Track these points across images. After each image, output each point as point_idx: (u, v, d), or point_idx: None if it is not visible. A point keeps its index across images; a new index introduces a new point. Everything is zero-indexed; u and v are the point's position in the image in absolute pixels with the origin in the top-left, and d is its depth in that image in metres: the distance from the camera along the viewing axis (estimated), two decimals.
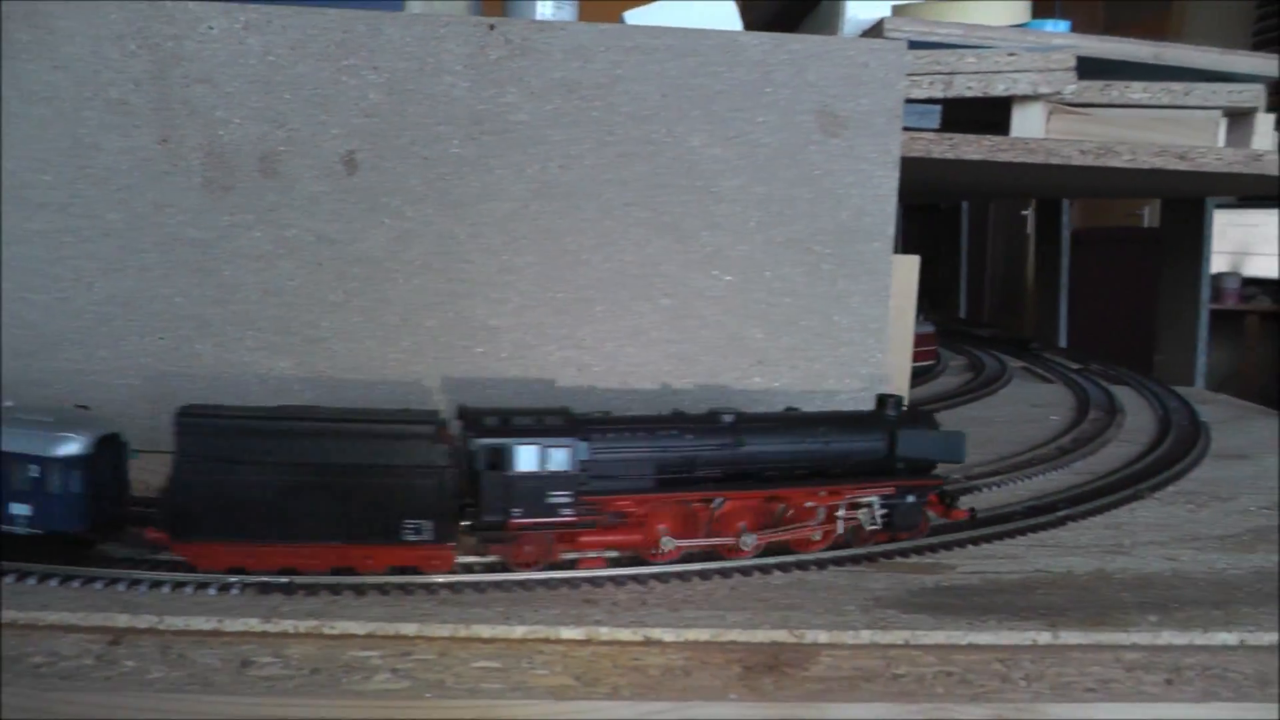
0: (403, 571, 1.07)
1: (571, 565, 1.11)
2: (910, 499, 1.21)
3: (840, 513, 1.19)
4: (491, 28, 1.31)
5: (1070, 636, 1.05)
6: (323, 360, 1.37)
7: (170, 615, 0.99)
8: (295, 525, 1.04)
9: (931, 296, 3.95)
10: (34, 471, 1.02)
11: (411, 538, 1.06)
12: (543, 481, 1.07)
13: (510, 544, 1.08)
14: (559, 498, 1.08)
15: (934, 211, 3.96)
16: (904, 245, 4.16)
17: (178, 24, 1.29)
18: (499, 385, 1.39)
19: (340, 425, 1.06)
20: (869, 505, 1.19)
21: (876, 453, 1.21)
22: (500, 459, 1.06)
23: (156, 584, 1.05)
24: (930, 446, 1.23)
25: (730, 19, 1.57)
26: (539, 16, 1.49)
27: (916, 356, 2.25)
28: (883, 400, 1.25)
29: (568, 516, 1.08)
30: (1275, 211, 4.72)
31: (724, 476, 1.15)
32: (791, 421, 1.21)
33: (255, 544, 1.05)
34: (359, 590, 1.05)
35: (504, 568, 1.10)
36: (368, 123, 1.32)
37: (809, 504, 1.17)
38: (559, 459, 1.07)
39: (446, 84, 1.32)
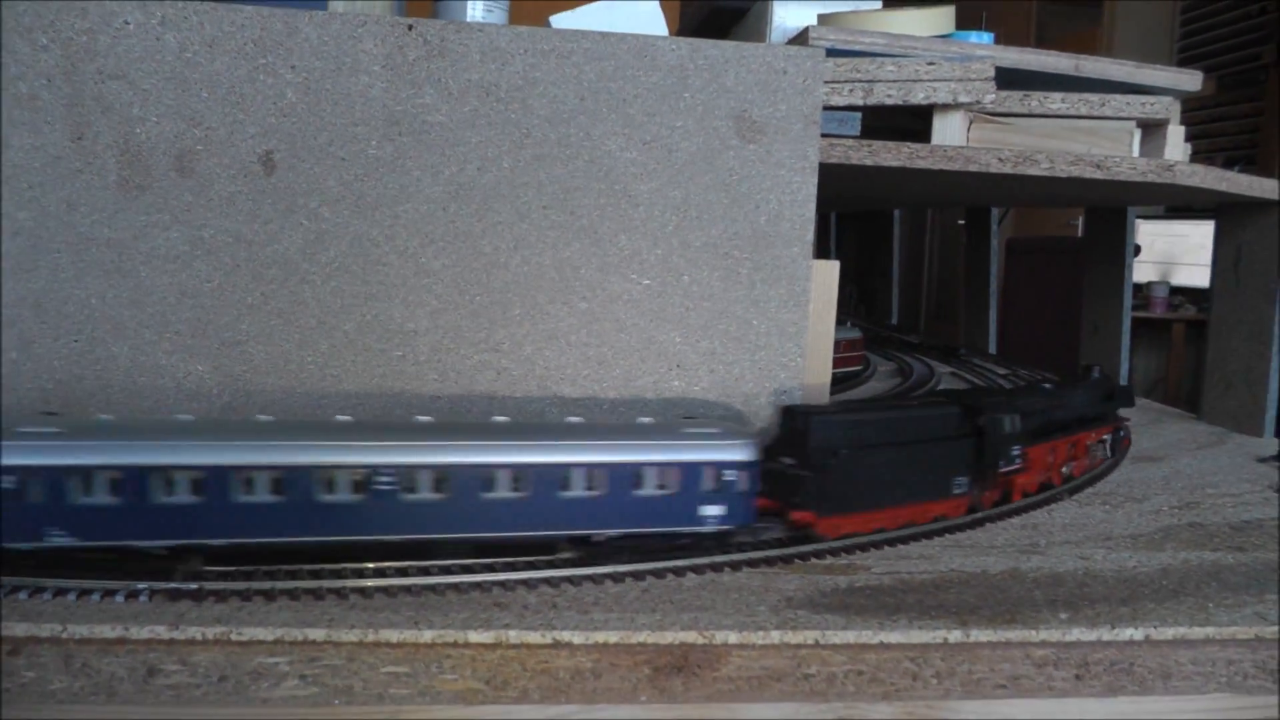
0: (940, 519, 1.39)
1: (1008, 499, 1.51)
2: (1121, 433, 1.84)
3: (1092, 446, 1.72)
4: (410, 28, 1.30)
5: (981, 634, 1.07)
6: (240, 363, 1.34)
7: (74, 623, 0.97)
8: (888, 493, 1.32)
9: (868, 303, 4.00)
10: (730, 476, 1.17)
11: (956, 491, 1.40)
12: (1013, 440, 1.46)
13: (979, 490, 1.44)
14: (1016, 451, 1.47)
15: (868, 220, 4.01)
16: (837, 253, 4.22)
17: (90, 18, 1.26)
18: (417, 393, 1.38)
19: (907, 413, 1.42)
20: (1105, 440, 1.77)
21: (1104, 405, 1.77)
22: (995, 427, 1.43)
23: (61, 591, 1.02)
24: (1124, 398, 1.87)
25: (656, 24, 1.57)
26: (469, 18, 1.49)
27: (843, 362, 2.28)
28: (1088, 368, 1.84)
29: (1019, 464, 1.49)
30: (1201, 223, 4.85)
31: (1052, 429, 1.60)
32: (1069, 387, 1.71)
33: (865, 513, 1.29)
34: (268, 595, 1.04)
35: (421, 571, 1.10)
36: (284, 122, 1.30)
37: (1088, 443, 1.69)
38: (1018, 424, 1.47)
39: (363, 84, 1.30)
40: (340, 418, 1.21)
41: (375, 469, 1.06)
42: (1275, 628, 1.11)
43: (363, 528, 1.08)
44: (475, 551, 1.13)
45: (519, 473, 1.10)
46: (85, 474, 1.00)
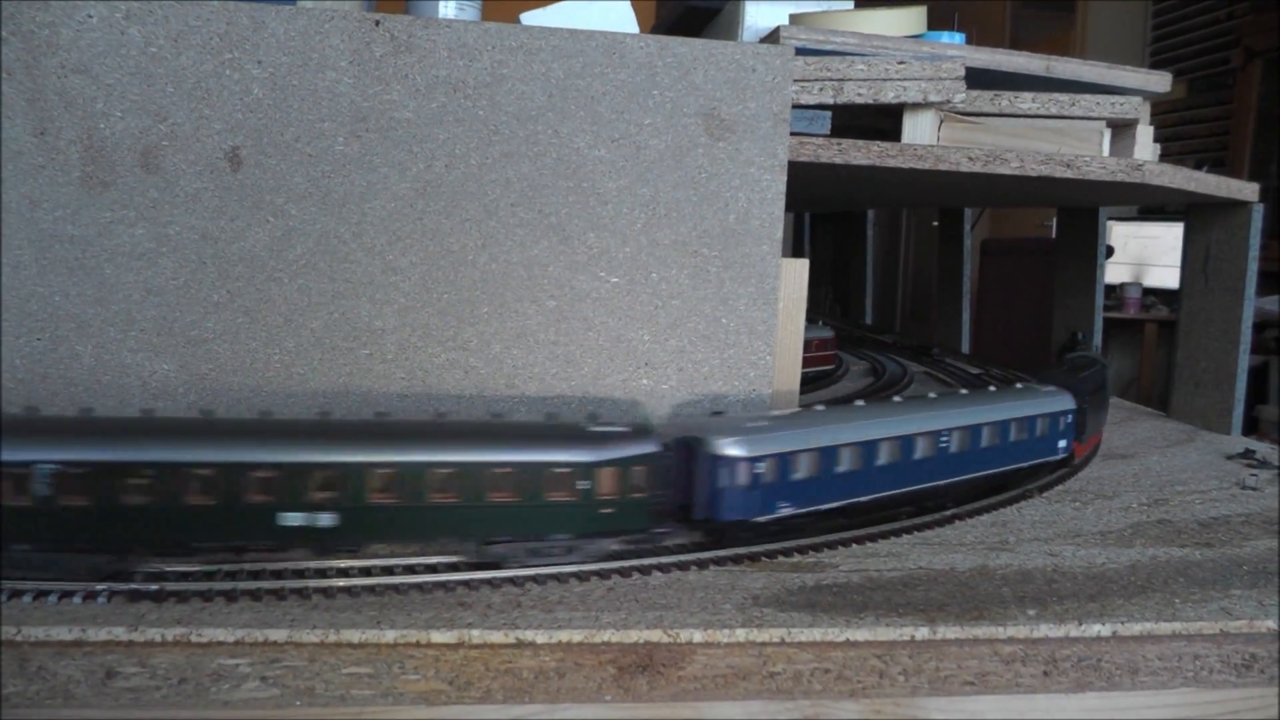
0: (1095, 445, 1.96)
1: None
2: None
3: None
4: (377, 23, 1.29)
5: (948, 631, 1.07)
6: (205, 362, 1.33)
7: (29, 626, 0.95)
8: (1092, 425, 1.82)
9: (843, 304, 4.01)
10: (1069, 419, 1.67)
11: (1101, 426, 1.96)
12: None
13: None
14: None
15: (843, 221, 4.02)
16: (811, 254, 4.23)
17: (52, 11, 1.25)
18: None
19: (1090, 370, 1.95)
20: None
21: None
22: (1109, 378, 2.06)
23: (17, 593, 1.01)
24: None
25: (626, 23, 1.57)
26: (441, 15, 1.48)
27: (814, 361, 2.28)
28: (1074, 335, 2.41)
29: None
30: (1174, 224, 4.90)
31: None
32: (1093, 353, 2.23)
33: (1088, 441, 1.81)
34: (229, 596, 1.03)
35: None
36: (251, 118, 1.29)
37: None
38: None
39: (330, 79, 1.29)
40: (897, 399, 1.57)
41: (939, 433, 1.43)
42: (1240, 622, 1.12)
43: (930, 477, 1.44)
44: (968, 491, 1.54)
45: (995, 427, 1.52)
46: (808, 455, 1.28)
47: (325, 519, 1.05)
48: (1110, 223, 2.70)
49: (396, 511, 1.07)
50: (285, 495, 1.04)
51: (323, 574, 1.08)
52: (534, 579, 1.10)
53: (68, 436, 1.03)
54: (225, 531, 1.05)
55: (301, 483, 1.04)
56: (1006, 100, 1.72)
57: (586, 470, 1.13)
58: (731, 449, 1.20)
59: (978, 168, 1.60)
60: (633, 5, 1.61)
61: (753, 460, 1.21)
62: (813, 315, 1.75)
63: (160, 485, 1.01)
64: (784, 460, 1.24)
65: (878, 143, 1.53)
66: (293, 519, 1.04)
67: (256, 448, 1.05)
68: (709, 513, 1.21)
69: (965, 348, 3.22)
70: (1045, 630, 1.08)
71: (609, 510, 1.14)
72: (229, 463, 1.03)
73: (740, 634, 1.01)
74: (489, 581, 1.09)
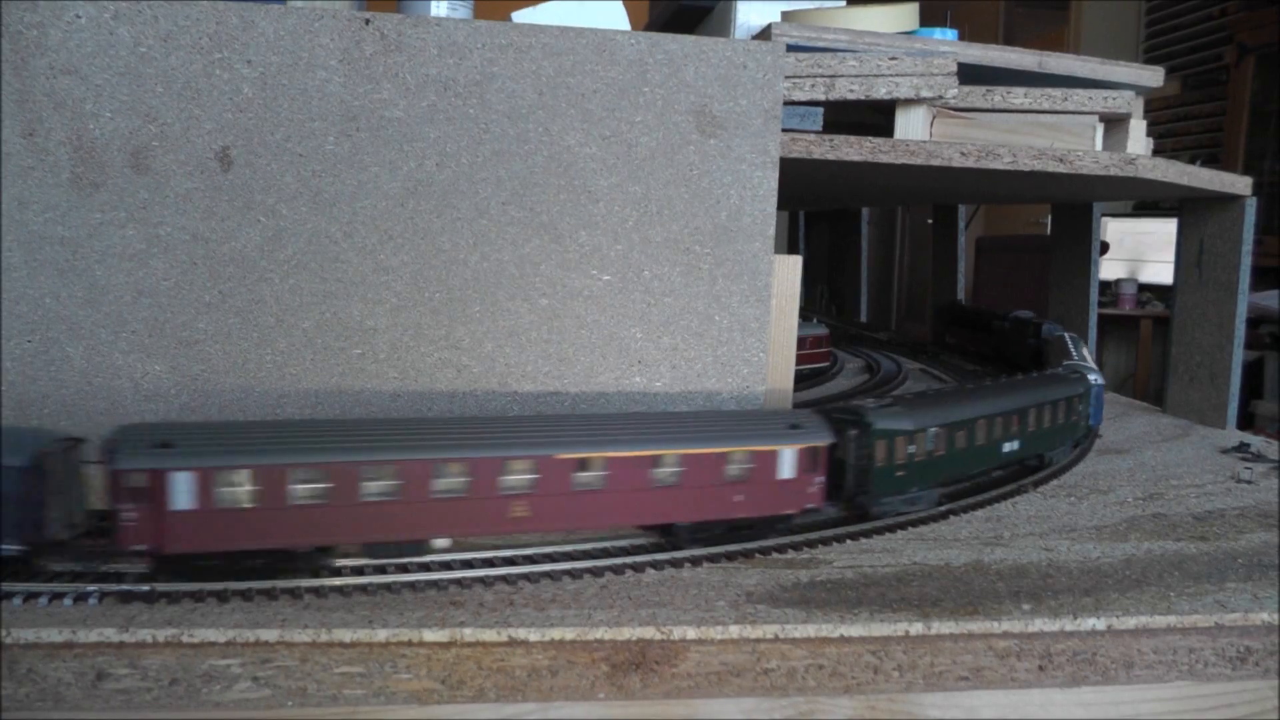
0: None
1: None
2: None
3: None
4: (367, 22, 1.29)
5: (943, 626, 1.06)
6: (198, 363, 1.32)
7: (19, 628, 0.94)
8: None
9: (838, 302, 4.01)
10: (1097, 390, 1.98)
11: None
12: None
13: None
14: None
15: (838, 219, 4.02)
16: (806, 252, 4.23)
17: (41, 12, 1.24)
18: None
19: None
20: None
21: None
22: None
23: (7, 595, 1.01)
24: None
25: (617, 20, 1.57)
26: (433, 14, 1.48)
27: (810, 358, 2.28)
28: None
29: None
30: (1168, 220, 4.90)
31: None
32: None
33: None
34: (221, 596, 1.02)
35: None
36: (241, 118, 1.29)
37: None
38: None
39: (320, 79, 1.29)
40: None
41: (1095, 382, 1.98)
42: (1235, 615, 1.11)
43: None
44: None
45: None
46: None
47: (1014, 445, 1.60)
48: (1104, 218, 2.71)
49: (1031, 435, 1.63)
50: (1006, 433, 1.57)
51: (314, 573, 1.07)
52: (527, 577, 1.10)
53: (928, 407, 1.45)
54: (986, 461, 1.56)
55: (1011, 423, 1.58)
56: (999, 96, 1.72)
57: (1080, 398, 1.78)
58: (1099, 380, 1.91)
59: (970, 163, 1.60)
60: (624, 5, 1.61)
61: (1101, 389, 1.92)
62: (807, 313, 1.75)
63: (981, 433, 1.51)
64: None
65: (870, 139, 1.53)
66: (1008, 447, 1.58)
67: (992, 404, 1.56)
68: (1091, 423, 1.88)
69: None
70: (1040, 625, 1.08)
71: (1081, 423, 1.81)
72: (992, 414, 1.53)
73: (734, 631, 1.01)
74: (481, 580, 1.09)
